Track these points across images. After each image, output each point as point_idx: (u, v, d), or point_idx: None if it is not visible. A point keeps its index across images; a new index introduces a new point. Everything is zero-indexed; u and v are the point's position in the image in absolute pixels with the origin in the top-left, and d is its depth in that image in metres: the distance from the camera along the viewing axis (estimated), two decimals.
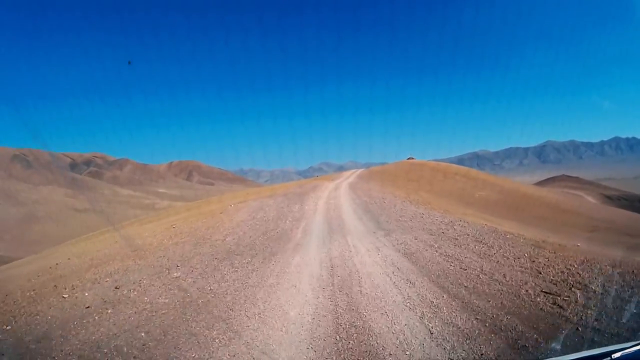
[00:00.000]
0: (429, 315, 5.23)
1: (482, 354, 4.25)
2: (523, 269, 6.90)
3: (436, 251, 8.43)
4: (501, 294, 5.79)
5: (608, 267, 6.54)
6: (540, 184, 72.55)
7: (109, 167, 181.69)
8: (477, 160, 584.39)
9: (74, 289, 7.01)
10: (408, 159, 45.19)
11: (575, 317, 4.85)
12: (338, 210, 14.70)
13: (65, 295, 6.65)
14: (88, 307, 6.02)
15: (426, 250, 8.57)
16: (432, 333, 4.73)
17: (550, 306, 5.24)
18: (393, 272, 7.15)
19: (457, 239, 9.40)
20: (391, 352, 4.38)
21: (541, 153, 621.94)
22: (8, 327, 5.55)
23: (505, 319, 4.92)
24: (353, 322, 5.22)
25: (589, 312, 4.96)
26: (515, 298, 5.60)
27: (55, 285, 7.30)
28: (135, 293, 6.60)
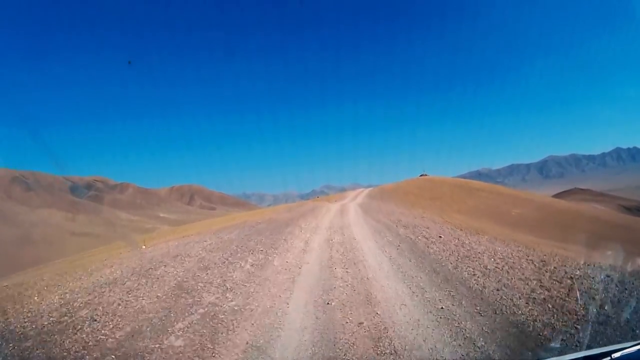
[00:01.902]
0: None
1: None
2: None
3: None
4: None
5: None
6: (556, 197, 69.93)
7: (110, 191, 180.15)
8: (479, 178, 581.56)
9: None
10: (421, 175, 42.83)
11: None
12: (360, 272, 7.12)
13: None
14: None
15: None
16: None
17: None
18: None
19: None
20: None
21: (543, 168, 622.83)
22: None
23: None
24: None
25: None
26: None
27: None
28: None
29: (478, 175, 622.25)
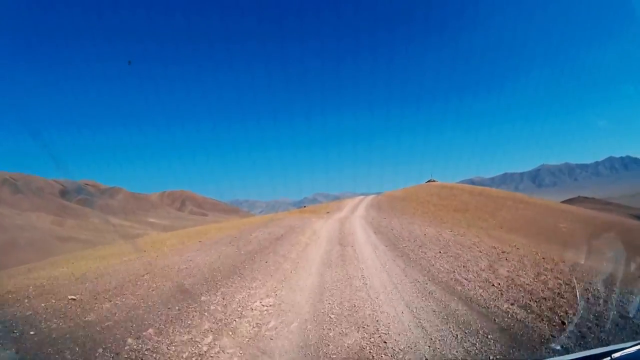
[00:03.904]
0: None
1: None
2: None
3: None
4: None
5: None
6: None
7: (101, 195, 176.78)
8: None
9: None
10: (428, 181, 40.19)
11: None
12: None
13: None
14: None
15: None
16: None
17: None
18: None
19: None
20: None
21: (536, 177, 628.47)
22: None
23: None
24: None
25: None
26: None
27: None
28: None
29: (471, 184, 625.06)
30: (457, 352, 4.44)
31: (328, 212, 22.18)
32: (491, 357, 4.04)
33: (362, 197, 34.79)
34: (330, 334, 4.80)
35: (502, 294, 6.30)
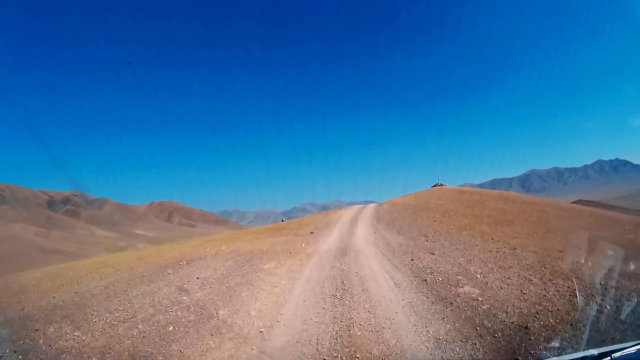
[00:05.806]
0: None
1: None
2: None
3: None
4: None
5: None
6: None
7: (88, 206, 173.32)
8: None
9: None
10: (435, 185, 37.81)
11: None
12: None
13: None
14: None
15: None
16: None
17: None
18: None
19: None
20: None
21: (525, 182, 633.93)
22: None
23: None
24: None
25: None
26: None
27: None
28: None
29: None
30: None
31: (312, 233, 15.66)
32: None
33: (359, 206, 27.67)
34: None
35: None
